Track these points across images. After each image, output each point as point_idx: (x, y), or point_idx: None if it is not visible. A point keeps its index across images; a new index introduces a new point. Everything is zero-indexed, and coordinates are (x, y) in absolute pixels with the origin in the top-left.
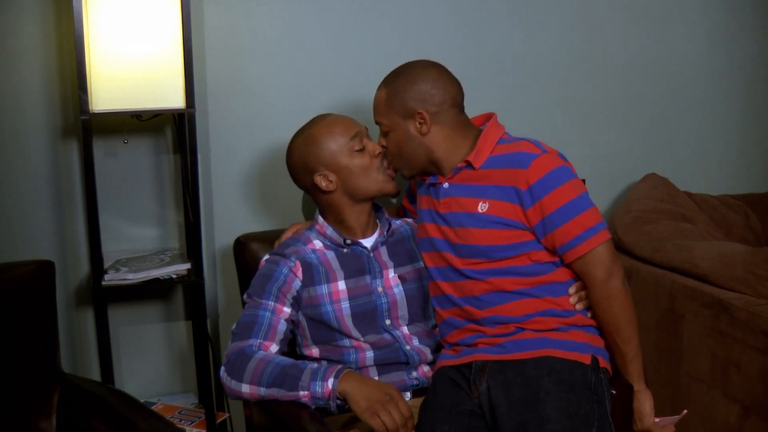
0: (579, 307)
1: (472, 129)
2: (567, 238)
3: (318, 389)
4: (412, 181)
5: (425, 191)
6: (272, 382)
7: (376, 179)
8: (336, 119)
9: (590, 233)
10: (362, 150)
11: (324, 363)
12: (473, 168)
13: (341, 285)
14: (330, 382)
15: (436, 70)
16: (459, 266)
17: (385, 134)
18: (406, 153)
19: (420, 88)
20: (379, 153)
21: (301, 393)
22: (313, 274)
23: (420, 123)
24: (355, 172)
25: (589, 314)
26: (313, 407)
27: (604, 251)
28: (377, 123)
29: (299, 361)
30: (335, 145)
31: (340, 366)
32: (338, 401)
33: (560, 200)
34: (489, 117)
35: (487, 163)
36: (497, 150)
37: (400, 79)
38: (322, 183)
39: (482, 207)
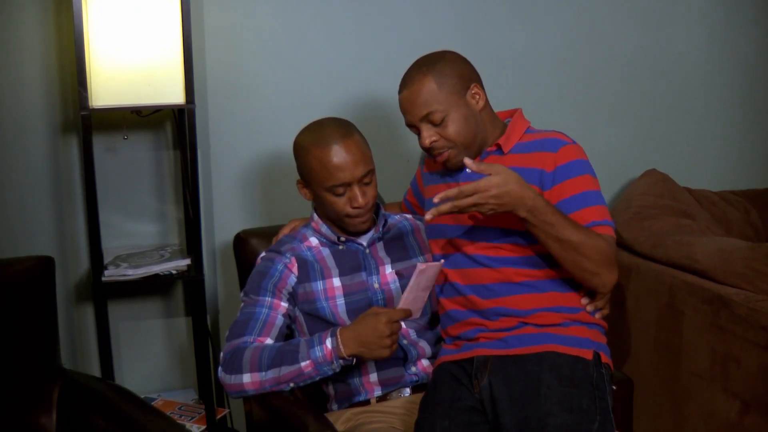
0: (589, 308)
1: (498, 117)
2: (584, 221)
3: (318, 354)
4: (419, 175)
5: (438, 180)
6: (271, 363)
7: (342, 220)
8: (341, 154)
9: (599, 224)
10: (342, 195)
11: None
12: (501, 152)
13: (336, 282)
14: (329, 342)
15: (459, 53)
16: (471, 251)
17: (438, 123)
18: (469, 132)
19: (462, 66)
20: (359, 206)
21: (303, 364)
22: (308, 270)
23: (475, 97)
24: (326, 206)
25: (597, 315)
26: (317, 378)
27: (611, 243)
28: (424, 116)
29: (291, 339)
30: (318, 176)
31: (330, 329)
32: (340, 361)
33: (579, 188)
34: (514, 112)
35: (515, 148)
36: (525, 138)
37: (439, 64)
38: (301, 189)
39: None
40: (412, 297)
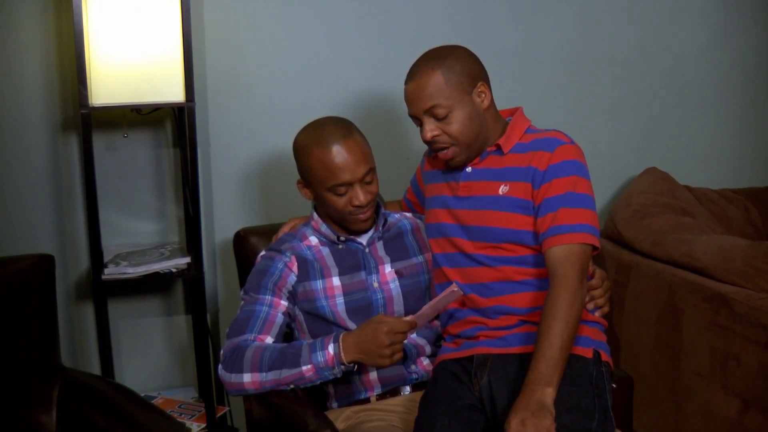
0: (589, 306)
1: (501, 116)
2: (554, 222)
3: (320, 359)
4: (419, 173)
5: (439, 179)
6: (272, 364)
7: (345, 219)
8: (342, 153)
9: (578, 228)
10: (344, 195)
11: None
12: (501, 153)
13: (336, 281)
14: (331, 348)
15: (469, 50)
16: (471, 251)
17: (441, 117)
18: (472, 131)
19: (471, 63)
20: (358, 205)
21: (304, 368)
22: (308, 269)
23: (481, 96)
24: (327, 205)
25: (597, 313)
26: (318, 382)
27: (579, 253)
28: (428, 109)
29: (294, 342)
30: (320, 175)
31: (333, 334)
32: (342, 366)
33: (567, 188)
34: (515, 111)
35: (514, 148)
36: (525, 138)
37: (449, 59)
38: (301, 189)
39: (503, 189)
40: (428, 312)
